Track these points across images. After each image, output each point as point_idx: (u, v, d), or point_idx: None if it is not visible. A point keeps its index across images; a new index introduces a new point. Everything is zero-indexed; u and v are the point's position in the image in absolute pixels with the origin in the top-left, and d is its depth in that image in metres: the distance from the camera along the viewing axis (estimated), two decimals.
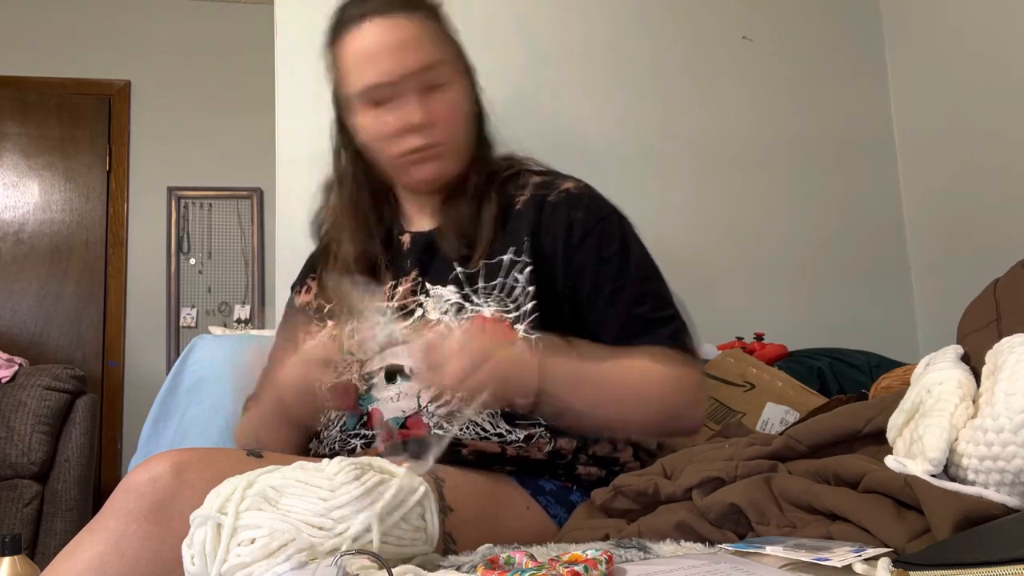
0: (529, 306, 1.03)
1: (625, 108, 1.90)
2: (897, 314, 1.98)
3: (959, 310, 0.87)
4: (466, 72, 1.15)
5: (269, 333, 1.64)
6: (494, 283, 1.06)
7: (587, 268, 1.07)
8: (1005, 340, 0.68)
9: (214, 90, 4.12)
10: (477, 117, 1.17)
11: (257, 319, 4.08)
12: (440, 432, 1.00)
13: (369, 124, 1.10)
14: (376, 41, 1.06)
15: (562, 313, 1.06)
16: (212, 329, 1.94)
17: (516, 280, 1.05)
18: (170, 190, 4.11)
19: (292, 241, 1.67)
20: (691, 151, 1.93)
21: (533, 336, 1.01)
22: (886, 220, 2.01)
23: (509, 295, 1.05)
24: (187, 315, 4.05)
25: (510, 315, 1.03)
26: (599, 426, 1.02)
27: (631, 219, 1.15)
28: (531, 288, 1.04)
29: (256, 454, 0.84)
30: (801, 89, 2.00)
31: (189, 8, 4.19)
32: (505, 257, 1.07)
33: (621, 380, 1.00)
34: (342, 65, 1.11)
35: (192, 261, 4.11)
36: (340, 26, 1.11)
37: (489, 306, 1.04)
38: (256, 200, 4.16)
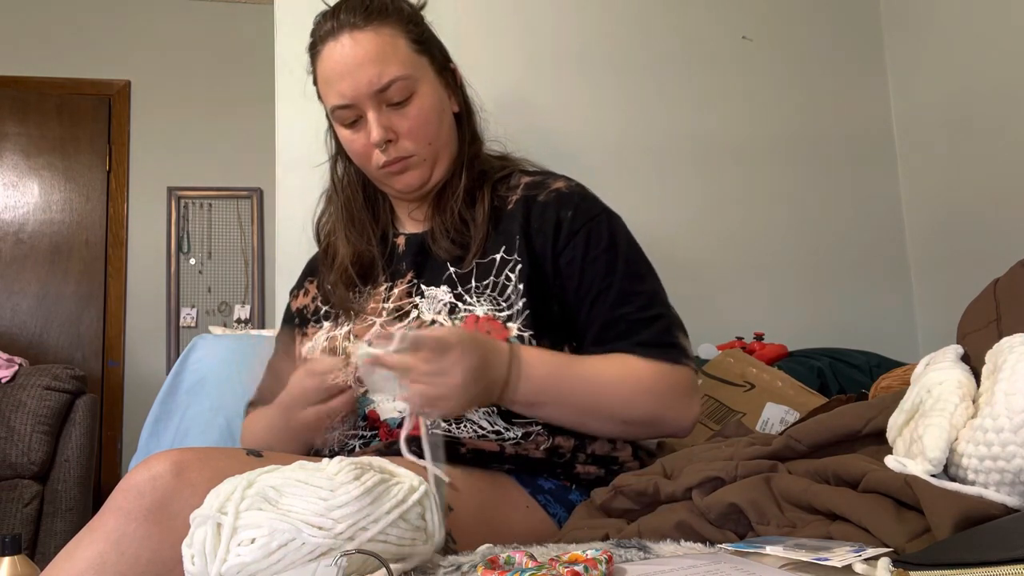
0: (520, 304, 1.03)
1: (624, 108, 1.90)
2: (897, 314, 1.98)
3: (959, 310, 0.87)
4: (441, 74, 1.14)
5: (269, 333, 1.64)
6: (486, 282, 1.06)
7: (574, 267, 1.07)
8: (1005, 340, 0.68)
9: (214, 90, 4.12)
10: (462, 116, 1.17)
11: (257, 319, 4.08)
12: (437, 431, 1.00)
13: (344, 141, 1.13)
14: (336, 63, 1.07)
15: (552, 312, 1.06)
16: (212, 329, 1.95)
17: (508, 279, 1.06)
18: (170, 190, 4.11)
19: (292, 241, 1.67)
20: (690, 151, 1.93)
21: (526, 334, 1.02)
22: (886, 220, 2.01)
23: (501, 294, 1.05)
24: (187, 315, 4.05)
25: (502, 314, 1.04)
26: (570, 427, 1.02)
27: (627, 219, 1.14)
28: (522, 286, 1.04)
29: (256, 453, 0.84)
30: (801, 89, 2.00)
31: (189, 8, 4.19)
32: (497, 256, 1.08)
33: (593, 385, 1.00)
34: (318, 85, 1.14)
35: (192, 261, 4.11)
36: (313, 46, 1.12)
37: (481, 305, 1.05)
38: (256, 200, 4.16)
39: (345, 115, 1.09)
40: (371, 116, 1.07)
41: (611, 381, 1.01)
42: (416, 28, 1.12)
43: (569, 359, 1.02)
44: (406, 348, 0.87)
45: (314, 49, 1.12)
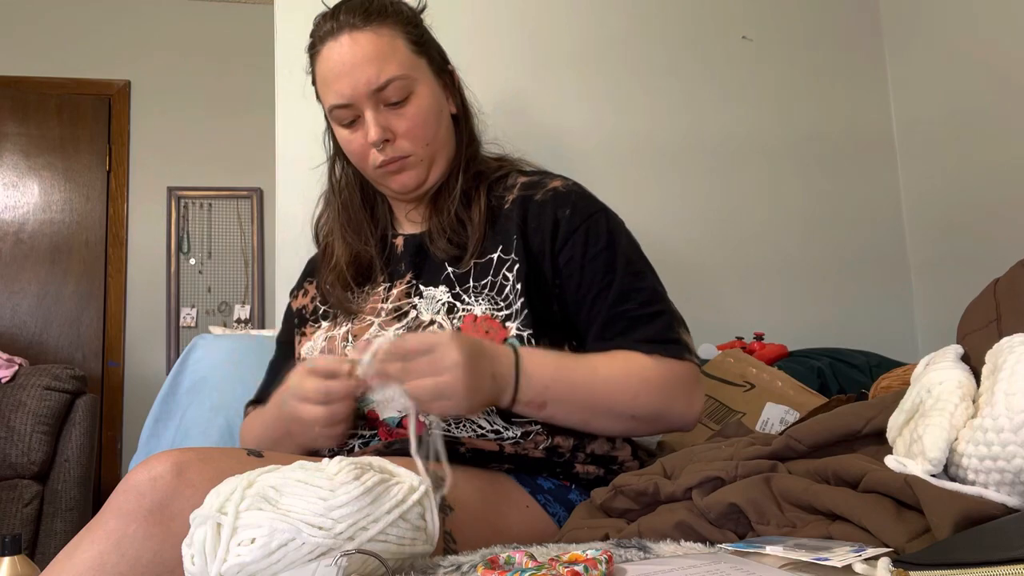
0: (519, 304, 1.04)
1: (624, 108, 1.91)
2: (897, 314, 1.98)
3: (959, 310, 0.87)
4: (440, 75, 1.14)
5: (269, 333, 1.64)
6: (484, 282, 1.06)
7: (574, 266, 1.07)
8: (1005, 340, 0.68)
9: (214, 90, 4.12)
10: (460, 118, 1.17)
11: (257, 319, 4.08)
12: (437, 431, 1.00)
13: (341, 141, 1.14)
14: (335, 62, 1.08)
15: (552, 311, 1.07)
16: (212, 329, 1.95)
17: (506, 279, 1.06)
18: (170, 190, 4.11)
19: (292, 241, 1.67)
20: (690, 151, 1.93)
21: (525, 333, 1.02)
22: (886, 220, 2.01)
23: (499, 294, 1.05)
24: (187, 315, 4.05)
25: (500, 314, 1.04)
26: (575, 426, 1.02)
27: (625, 219, 1.15)
28: (520, 286, 1.04)
29: (257, 453, 0.84)
30: (801, 89, 2.00)
31: (189, 8, 4.19)
32: (494, 256, 1.08)
33: (599, 382, 1.00)
34: (317, 86, 1.14)
35: (192, 261, 4.11)
36: (312, 46, 1.13)
37: (480, 305, 1.05)
38: (256, 200, 4.16)
39: (343, 115, 1.10)
40: (369, 115, 1.07)
41: (616, 378, 1.01)
42: (415, 30, 1.12)
43: (572, 358, 1.02)
44: (390, 355, 0.89)
45: (313, 49, 1.12)
